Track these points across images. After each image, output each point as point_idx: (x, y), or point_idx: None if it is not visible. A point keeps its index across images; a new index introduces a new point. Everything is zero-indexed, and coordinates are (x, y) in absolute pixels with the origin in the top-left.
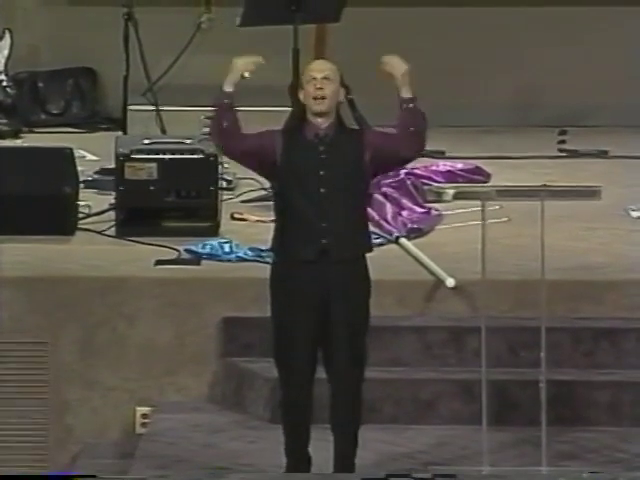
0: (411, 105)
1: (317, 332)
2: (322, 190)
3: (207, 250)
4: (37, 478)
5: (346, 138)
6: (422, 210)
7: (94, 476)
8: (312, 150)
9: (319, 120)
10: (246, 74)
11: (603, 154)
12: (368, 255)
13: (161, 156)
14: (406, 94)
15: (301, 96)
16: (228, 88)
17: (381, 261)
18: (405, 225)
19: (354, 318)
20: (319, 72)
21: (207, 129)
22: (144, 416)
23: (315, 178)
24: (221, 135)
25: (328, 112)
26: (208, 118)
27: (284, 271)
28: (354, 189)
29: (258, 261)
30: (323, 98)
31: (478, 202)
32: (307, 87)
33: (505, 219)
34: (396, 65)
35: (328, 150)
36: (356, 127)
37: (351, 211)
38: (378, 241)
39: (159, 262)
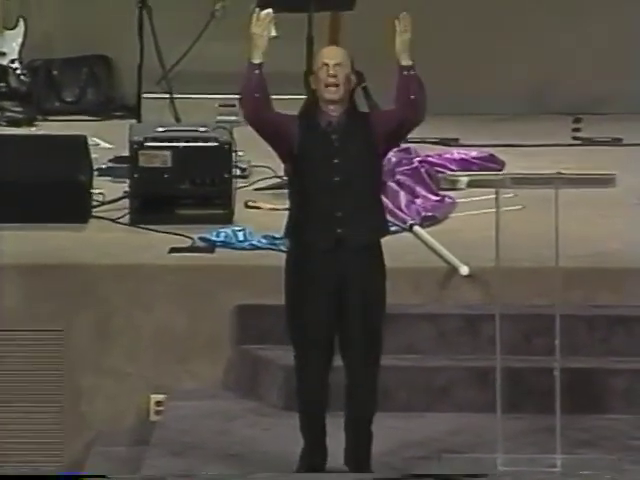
0: (412, 72)
1: (332, 317)
2: (336, 178)
3: (221, 238)
4: (44, 478)
5: (358, 124)
6: (436, 198)
7: (104, 476)
8: (326, 139)
9: (331, 107)
10: (273, 33)
11: (617, 142)
12: (383, 242)
13: (175, 144)
14: (407, 61)
15: (312, 83)
16: (257, 59)
17: (395, 249)
18: (419, 213)
19: (370, 304)
20: (331, 58)
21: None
22: (158, 403)
23: (329, 166)
24: (252, 104)
25: (341, 100)
26: (236, 101)
27: (299, 258)
28: (369, 175)
29: (272, 249)
30: (336, 85)
31: (492, 190)
32: (319, 73)
33: (519, 207)
34: (409, 28)
35: (341, 138)
36: (365, 110)
37: (366, 197)
38: (393, 229)
39: (173, 250)
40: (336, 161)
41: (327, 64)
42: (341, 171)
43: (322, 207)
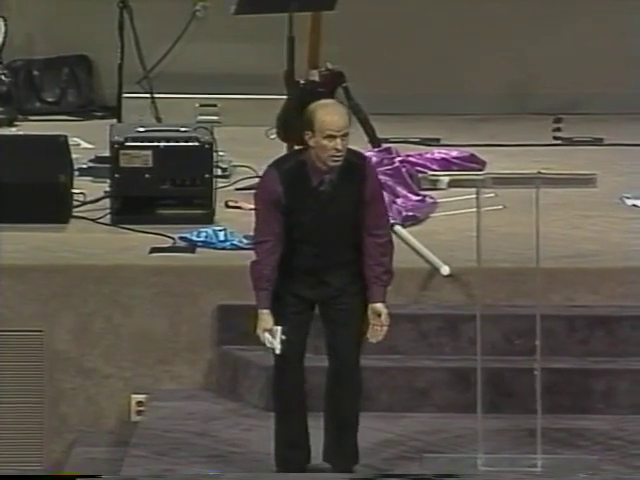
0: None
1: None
2: (323, 236)
3: (202, 238)
4: (38, 478)
5: (348, 179)
6: (417, 198)
7: (99, 476)
8: (315, 198)
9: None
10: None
11: (598, 142)
12: None
13: (156, 144)
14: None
15: (310, 141)
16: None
17: None
18: (400, 213)
19: (352, 308)
20: (338, 130)
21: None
22: (139, 404)
23: (316, 224)
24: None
25: None
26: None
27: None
28: (354, 226)
29: (252, 249)
30: (341, 156)
31: (473, 190)
32: (323, 142)
33: (500, 207)
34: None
35: (331, 195)
36: (356, 160)
37: (348, 251)
38: None
39: (154, 250)
40: (323, 218)
41: (334, 136)
42: (328, 228)
43: (307, 263)
